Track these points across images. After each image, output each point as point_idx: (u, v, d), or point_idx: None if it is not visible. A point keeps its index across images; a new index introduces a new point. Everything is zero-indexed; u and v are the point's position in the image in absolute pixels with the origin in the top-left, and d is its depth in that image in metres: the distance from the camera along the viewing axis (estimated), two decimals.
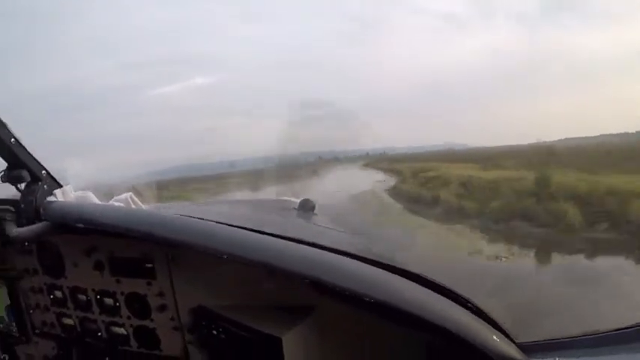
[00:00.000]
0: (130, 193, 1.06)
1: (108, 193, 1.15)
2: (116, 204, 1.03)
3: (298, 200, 3.04)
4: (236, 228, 0.84)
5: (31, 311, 1.18)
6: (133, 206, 1.05)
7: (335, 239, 1.63)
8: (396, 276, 0.76)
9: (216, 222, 0.89)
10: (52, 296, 1.13)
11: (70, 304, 1.12)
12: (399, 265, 0.80)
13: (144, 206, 1.08)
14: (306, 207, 2.55)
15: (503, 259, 7.12)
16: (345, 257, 0.77)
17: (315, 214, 2.49)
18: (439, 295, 0.74)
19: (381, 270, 0.76)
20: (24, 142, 1.03)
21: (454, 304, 0.74)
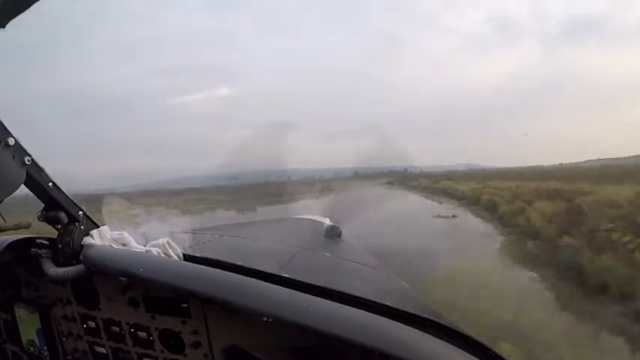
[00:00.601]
0: (167, 239, 1.05)
1: (144, 233, 1.14)
2: (153, 250, 1.02)
3: (326, 221, 3.04)
4: (268, 284, 0.87)
5: (64, 339, 1.20)
6: (170, 251, 1.03)
7: (368, 283, 1.62)
8: (429, 336, 0.79)
9: (250, 270, 0.94)
10: (85, 325, 1.15)
11: (103, 335, 1.13)
12: (435, 319, 0.85)
13: (179, 249, 1.06)
14: (333, 234, 2.56)
15: None
16: (375, 316, 0.81)
17: (342, 241, 2.47)
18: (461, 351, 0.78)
19: (408, 328, 0.80)
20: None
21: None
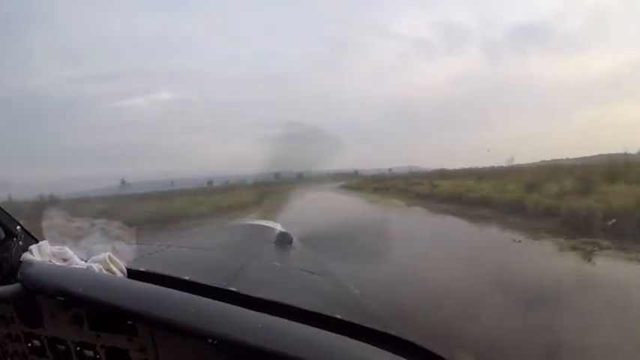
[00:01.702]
0: (109, 254, 1.06)
1: (85, 248, 1.15)
2: (94, 266, 1.03)
3: (277, 227, 3.10)
4: (214, 301, 0.88)
5: (9, 358, 1.15)
6: (113, 267, 1.05)
7: (315, 291, 1.68)
8: (382, 351, 0.82)
9: (196, 284, 0.94)
10: (30, 344, 1.11)
11: (49, 354, 1.09)
12: (391, 332, 0.88)
13: (123, 264, 1.08)
14: (284, 241, 2.63)
15: None
16: (329, 334, 0.82)
17: (294, 248, 2.56)
18: None
19: (363, 345, 0.81)
20: None
21: None
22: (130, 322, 0.98)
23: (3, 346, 1.15)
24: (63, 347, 1.07)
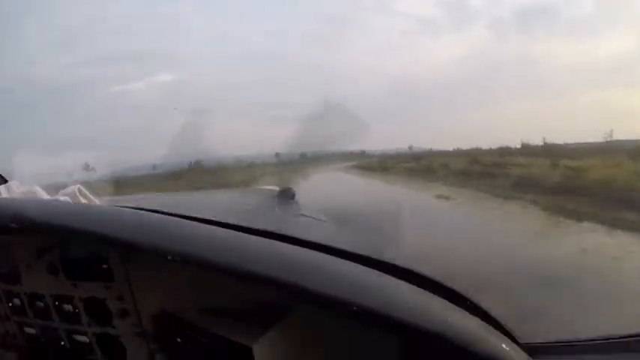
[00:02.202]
0: (79, 186, 0.95)
1: (58, 187, 1.07)
2: (62, 198, 0.94)
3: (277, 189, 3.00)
4: (198, 222, 0.74)
5: None
6: (83, 200, 0.96)
7: (314, 229, 1.56)
8: (387, 276, 0.67)
9: (177, 215, 0.78)
10: (10, 304, 1.03)
11: (29, 313, 1.01)
12: (388, 261, 0.72)
13: (97, 200, 1.00)
14: (286, 195, 2.52)
15: None
16: (325, 255, 0.68)
17: (295, 202, 2.45)
18: (434, 296, 0.67)
19: (368, 269, 0.68)
20: None
21: (451, 305, 0.67)
22: (105, 267, 0.89)
23: None
24: (42, 304, 0.99)
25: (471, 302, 0.68)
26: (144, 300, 0.89)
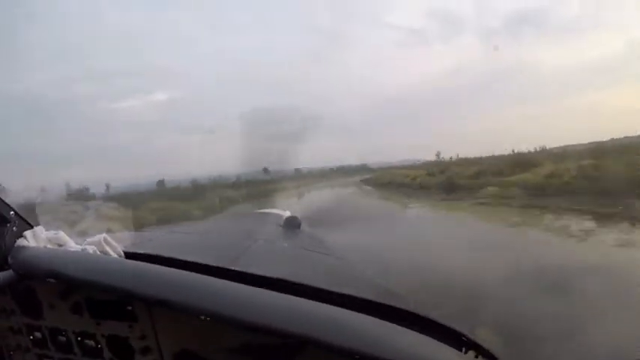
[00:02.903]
0: (104, 235, 1.01)
1: (81, 231, 1.10)
2: (89, 248, 0.98)
3: (284, 213, 3.04)
4: (213, 278, 0.82)
5: (12, 352, 1.12)
6: (108, 249, 1.00)
7: (325, 270, 1.60)
8: (393, 326, 0.75)
9: (194, 264, 0.87)
10: (31, 337, 1.07)
11: (50, 346, 1.06)
12: (395, 304, 0.81)
13: (119, 247, 1.03)
14: (292, 224, 2.56)
15: None
16: (339, 309, 0.76)
17: (301, 232, 2.49)
18: (439, 343, 0.75)
19: (377, 321, 0.75)
20: None
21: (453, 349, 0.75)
22: (129, 308, 0.94)
23: (5, 340, 1.12)
24: (64, 338, 1.03)
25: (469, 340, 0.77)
26: (166, 339, 0.95)
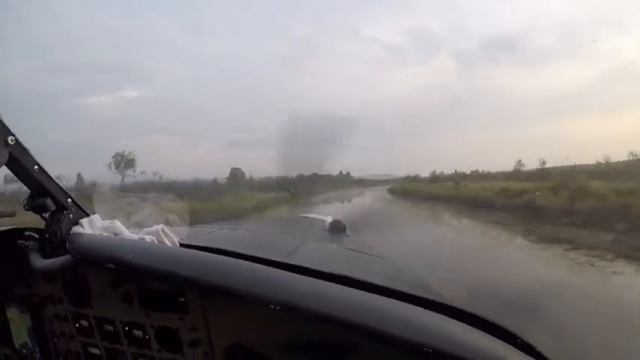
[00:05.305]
0: (162, 226, 0.97)
1: (138, 222, 1.06)
2: (147, 237, 0.94)
3: (327, 218, 2.97)
4: (275, 269, 0.79)
5: (56, 339, 1.11)
6: (165, 239, 0.95)
7: (377, 270, 1.56)
8: (452, 320, 0.74)
9: (253, 257, 0.85)
10: (77, 325, 1.07)
11: (96, 334, 1.05)
12: (446, 302, 0.80)
13: (176, 238, 0.98)
14: (337, 228, 2.48)
15: None
16: (394, 301, 0.75)
17: (347, 236, 2.40)
18: (493, 338, 0.73)
19: (431, 313, 0.75)
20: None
21: (508, 345, 0.73)
22: (181, 299, 0.91)
23: (50, 326, 1.11)
24: (111, 328, 1.01)
25: (522, 340, 0.75)
26: (218, 332, 0.91)
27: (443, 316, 0.75)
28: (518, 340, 0.75)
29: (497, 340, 0.73)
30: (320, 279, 0.79)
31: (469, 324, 0.76)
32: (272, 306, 0.72)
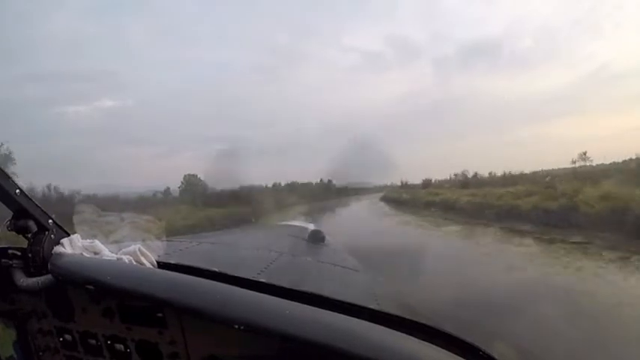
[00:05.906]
0: (139, 245, 1.03)
1: (116, 241, 1.12)
2: (124, 258, 1.00)
3: (309, 227, 3.04)
4: (243, 290, 0.85)
5: (41, 353, 1.16)
6: (142, 259, 1.01)
7: (351, 286, 1.62)
8: (411, 338, 0.78)
9: (226, 275, 0.93)
10: (61, 339, 1.12)
11: (80, 348, 1.10)
12: (411, 318, 0.85)
13: (153, 256, 1.04)
14: (316, 238, 2.56)
15: None
16: (353, 319, 0.79)
17: (326, 246, 2.48)
18: (450, 354, 0.78)
19: (390, 330, 0.78)
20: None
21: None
22: (159, 315, 0.97)
23: (35, 340, 1.15)
24: (94, 341, 1.07)
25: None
26: (194, 345, 0.98)
27: (402, 333, 0.79)
28: (481, 353, 0.80)
29: (455, 356, 0.78)
30: (286, 297, 0.85)
31: (433, 341, 0.81)
32: (236, 326, 0.77)
